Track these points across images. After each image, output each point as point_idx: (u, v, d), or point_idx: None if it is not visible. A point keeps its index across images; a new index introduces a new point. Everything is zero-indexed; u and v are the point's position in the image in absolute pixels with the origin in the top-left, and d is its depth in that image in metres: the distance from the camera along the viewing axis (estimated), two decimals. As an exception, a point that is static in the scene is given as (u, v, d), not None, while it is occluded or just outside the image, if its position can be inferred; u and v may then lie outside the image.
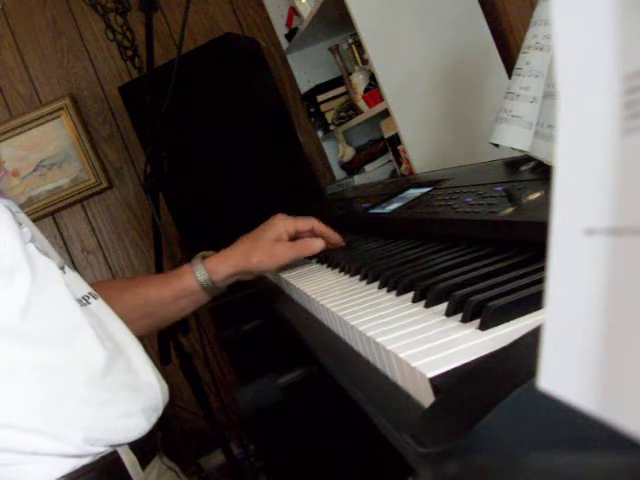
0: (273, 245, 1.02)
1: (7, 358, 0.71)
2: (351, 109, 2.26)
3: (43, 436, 0.71)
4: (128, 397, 0.79)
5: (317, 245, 1.01)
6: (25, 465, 0.71)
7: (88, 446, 0.73)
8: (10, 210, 0.79)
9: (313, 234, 1.06)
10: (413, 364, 0.43)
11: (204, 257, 1.07)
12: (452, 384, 0.37)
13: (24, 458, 0.71)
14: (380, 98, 1.82)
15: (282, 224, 1.03)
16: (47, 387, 0.73)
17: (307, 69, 2.58)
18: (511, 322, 0.45)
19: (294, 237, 1.05)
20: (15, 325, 0.72)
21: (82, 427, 0.73)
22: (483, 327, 0.45)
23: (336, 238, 1.06)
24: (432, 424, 0.36)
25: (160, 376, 0.87)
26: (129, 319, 0.89)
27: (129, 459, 0.78)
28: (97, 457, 0.75)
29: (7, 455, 0.70)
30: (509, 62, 1.64)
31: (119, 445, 0.77)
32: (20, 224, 0.79)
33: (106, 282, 1.07)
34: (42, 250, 0.81)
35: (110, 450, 0.76)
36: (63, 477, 0.72)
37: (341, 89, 2.43)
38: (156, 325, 1.10)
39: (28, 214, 0.88)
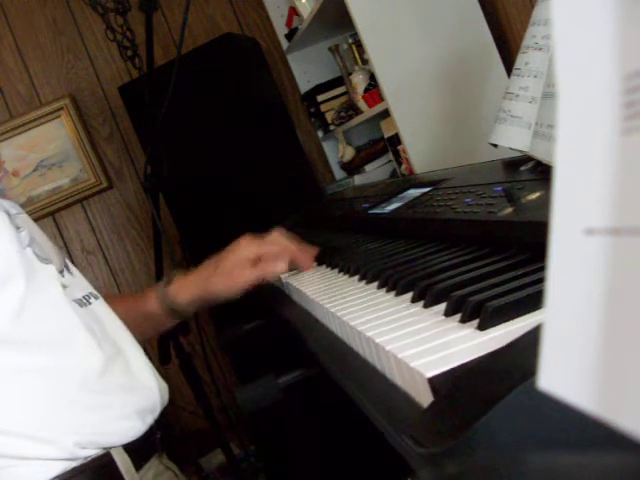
0: (233, 271, 0.98)
1: (0, 363, 0.71)
2: (351, 109, 2.26)
3: (35, 441, 0.71)
4: (123, 399, 0.79)
5: (278, 268, 0.97)
6: (17, 468, 0.71)
7: (79, 449, 0.73)
8: (8, 213, 0.79)
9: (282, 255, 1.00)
10: (412, 364, 0.42)
11: (170, 280, 1.05)
12: (451, 384, 0.37)
13: (16, 462, 0.71)
14: (380, 98, 1.82)
15: (245, 249, 0.99)
16: (40, 392, 0.73)
17: (307, 69, 2.58)
18: (510, 322, 0.45)
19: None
20: (8, 331, 0.72)
21: (75, 431, 0.73)
22: (482, 327, 0.45)
23: (306, 260, 1.00)
24: (431, 424, 0.36)
25: (159, 376, 0.87)
26: None
27: (123, 460, 0.78)
28: (89, 459, 0.75)
29: None
30: (509, 62, 1.64)
31: (112, 447, 0.77)
32: (18, 228, 0.79)
33: None
34: (40, 255, 0.80)
35: (103, 452, 0.76)
36: (54, 478, 0.72)
37: (341, 89, 2.43)
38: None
39: (28, 214, 0.87)
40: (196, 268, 1.05)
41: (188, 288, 1.02)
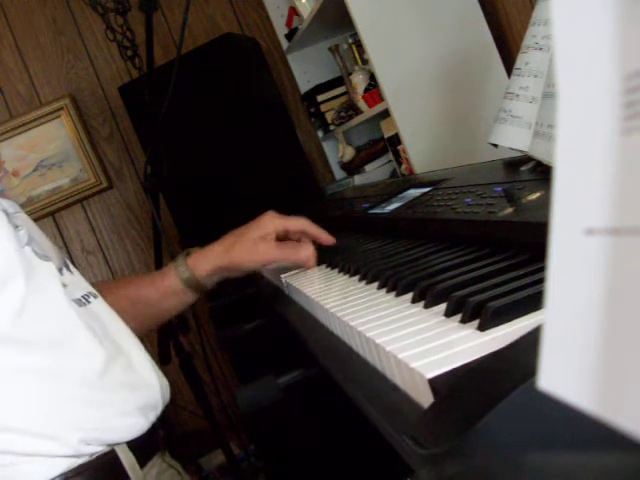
0: (257, 243, 0.97)
1: (2, 363, 0.72)
2: (351, 109, 2.26)
3: (39, 438, 0.71)
4: (125, 396, 0.79)
5: (305, 253, 0.96)
6: (22, 465, 0.71)
7: (84, 446, 0.74)
8: (6, 212, 0.79)
9: (304, 236, 1.01)
10: (412, 365, 0.42)
11: (188, 254, 1.04)
12: (451, 385, 0.37)
13: (20, 459, 0.71)
14: (380, 98, 1.82)
15: (270, 222, 0.99)
16: (43, 390, 0.73)
17: (307, 69, 2.58)
18: (510, 323, 0.45)
19: (284, 237, 1.01)
20: (9, 330, 0.72)
21: (78, 428, 0.74)
22: (482, 328, 0.45)
23: (327, 238, 1.01)
24: (431, 425, 0.36)
25: (161, 374, 0.87)
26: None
27: (127, 457, 0.78)
28: (94, 456, 0.75)
29: (3, 456, 0.70)
30: (509, 62, 1.64)
31: (117, 444, 0.77)
32: (17, 226, 0.79)
33: (94, 285, 1.05)
34: (39, 253, 0.80)
35: (108, 449, 0.77)
36: (59, 476, 0.72)
37: (341, 89, 2.43)
38: (145, 327, 1.07)
39: (28, 214, 0.87)
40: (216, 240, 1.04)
41: (208, 259, 1.01)
